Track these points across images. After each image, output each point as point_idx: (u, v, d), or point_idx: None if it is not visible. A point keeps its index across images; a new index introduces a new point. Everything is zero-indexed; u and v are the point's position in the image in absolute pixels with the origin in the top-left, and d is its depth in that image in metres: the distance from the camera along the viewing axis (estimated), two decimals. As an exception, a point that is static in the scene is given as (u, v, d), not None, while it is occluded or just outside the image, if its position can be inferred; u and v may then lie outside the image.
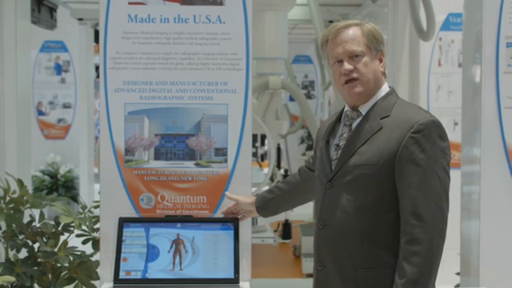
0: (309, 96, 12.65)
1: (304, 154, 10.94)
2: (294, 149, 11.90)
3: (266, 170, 9.16)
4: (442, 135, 2.48)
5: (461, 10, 3.85)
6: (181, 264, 3.10)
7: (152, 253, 3.11)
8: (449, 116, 6.50)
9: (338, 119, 2.74)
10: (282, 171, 8.30)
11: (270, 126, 5.83)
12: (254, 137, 8.76)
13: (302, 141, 12.19)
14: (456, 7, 6.14)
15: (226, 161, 3.29)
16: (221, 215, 3.25)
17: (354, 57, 2.58)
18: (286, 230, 6.85)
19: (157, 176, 3.28)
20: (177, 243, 3.13)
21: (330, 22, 9.73)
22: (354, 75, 2.58)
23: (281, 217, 6.81)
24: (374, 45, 2.60)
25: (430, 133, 2.45)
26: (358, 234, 2.53)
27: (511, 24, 3.38)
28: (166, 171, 3.28)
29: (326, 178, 2.65)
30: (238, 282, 3.07)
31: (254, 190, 3.91)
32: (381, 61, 2.63)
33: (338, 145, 2.67)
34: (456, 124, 6.51)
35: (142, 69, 3.28)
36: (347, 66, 2.58)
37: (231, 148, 3.29)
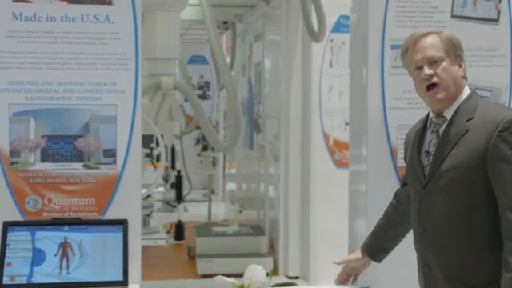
0: (204, 96, 12.65)
1: (199, 155, 10.92)
2: (190, 149, 11.88)
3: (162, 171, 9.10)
4: None
5: (350, 12, 3.93)
6: (68, 267, 3.05)
7: (38, 257, 3.05)
8: (340, 116, 6.61)
9: (424, 126, 2.78)
10: (175, 172, 8.26)
11: (163, 126, 5.80)
12: (150, 137, 8.69)
13: (198, 141, 12.18)
14: (346, 10, 6.24)
15: (115, 162, 3.26)
16: (110, 217, 3.21)
17: (433, 62, 2.64)
18: (178, 231, 6.83)
19: (43, 178, 3.21)
20: (64, 246, 3.08)
21: (225, 22, 9.79)
22: (434, 80, 2.63)
23: (173, 217, 6.79)
24: (453, 51, 2.67)
25: None
26: (458, 235, 2.58)
27: (395, 27, 3.47)
28: (53, 173, 3.21)
29: (420, 184, 2.70)
30: (127, 285, 3.05)
31: (144, 191, 3.88)
32: (460, 66, 2.68)
33: (428, 151, 2.71)
34: (347, 124, 6.63)
35: (28, 68, 3.21)
36: (427, 70, 2.64)
37: (120, 149, 3.26)
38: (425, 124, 2.79)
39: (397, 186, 3.49)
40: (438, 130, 2.70)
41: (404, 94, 3.49)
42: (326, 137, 6.70)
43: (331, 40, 6.63)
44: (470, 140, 2.57)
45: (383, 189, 3.47)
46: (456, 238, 2.60)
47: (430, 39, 2.67)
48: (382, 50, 3.48)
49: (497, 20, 3.51)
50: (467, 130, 2.59)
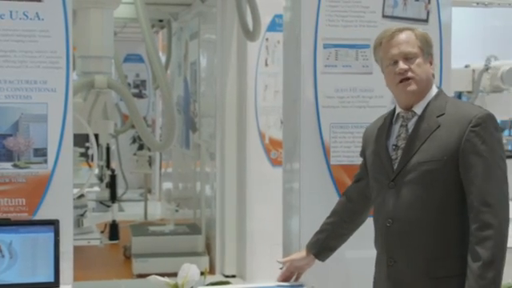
0: (140, 95, 12.57)
1: (135, 154, 10.85)
2: (126, 148, 11.79)
3: (96, 171, 9.02)
4: (497, 127, 2.66)
5: (285, 11, 3.95)
6: (-3, 269, 2.99)
7: (-35, 259, 2.98)
8: (276, 115, 6.63)
9: (390, 122, 2.83)
10: (110, 171, 8.19)
11: (97, 125, 5.74)
12: (85, 137, 8.59)
13: (134, 140, 12.09)
14: (281, 9, 6.27)
15: (45, 161, 3.21)
16: (41, 217, 3.16)
17: (408, 58, 2.71)
18: (113, 231, 6.77)
19: (-29, 178, 3.14)
20: (-8, 248, 3.02)
21: (160, 21, 9.72)
22: (409, 74, 2.69)
23: (108, 217, 6.74)
24: (426, 48, 2.75)
25: (488, 125, 2.61)
26: (428, 227, 2.64)
27: (328, 26, 3.51)
28: (-18, 173, 3.15)
29: (388, 178, 2.74)
30: (59, 286, 3.01)
31: (75, 191, 3.83)
32: (431, 63, 2.77)
33: (396, 145, 2.76)
34: (282, 122, 6.66)
35: (-45, 66, 3.14)
36: (402, 65, 2.70)
37: (51, 148, 3.21)
38: (390, 119, 2.84)
39: (330, 183, 3.53)
40: (407, 125, 2.75)
41: (336, 93, 3.53)
42: (262, 135, 6.73)
43: (266, 39, 6.65)
44: (442, 135, 2.65)
45: (316, 187, 3.50)
46: (425, 231, 2.65)
47: (405, 35, 2.74)
48: (315, 49, 3.50)
49: (426, 20, 3.58)
50: (439, 126, 2.66)
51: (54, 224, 3.13)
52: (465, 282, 2.54)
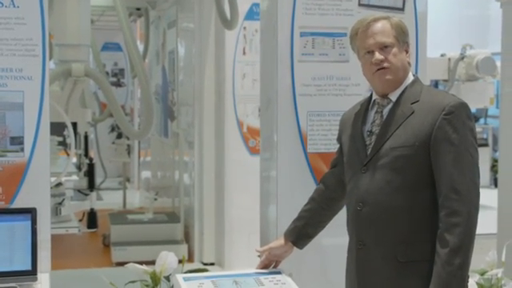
0: (119, 84, 12.52)
1: (114, 143, 10.82)
2: (105, 137, 11.76)
3: (74, 159, 8.99)
4: (470, 115, 2.69)
5: (262, 0, 3.95)
6: (-27, 258, 2.98)
7: None
8: (254, 103, 6.64)
9: (366, 108, 2.86)
10: (88, 160, 8.18)
11: (75, 114, 5.73)
12: (63, 125, 8.56)
13: (113, 129, 12.06)
14: (259, -3, 6.29)
15: (22, 150, 3.20)
16: (18, 206, 3.16)
17: (384, 48, 2.73)
18: (91, 219, 6.75)
19: None
20: (-31, 236, 3.01)
21: (138, 9, 9.68)
22: (385, 65, 2.72)
23: (87, 206, 6.73)
24: (402, 37, 2.76)
25: (460, 114, 2.64)
26: (397, 211, 2.68)
27: (304, 14, 3.52)
28: (-42, 161, 3.14)
29: (361, 162, 2.78)
30: (36, 274, 3.00)
31: (53, 179, 3.82)
32: (407, 52, 2.79)
33: (370, 131, 2.79)
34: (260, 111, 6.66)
35: None
36: (378, 56, 2.72)
37: (28, 136, 3.21)
38: (366, 106, 2.87)
39: (307, 171, 3.55)
40: (382, 111, 2.79)
41: (313, 81, 3.54)
42: (240, 124, 6.74)
43: (244, 28, 6.65)
44: (415, 121, 2.68)
45: (293, 175, 3.52)
46: (395, 215, 2.68)
47: (380, 24, 2.75)
48: (292, 38, 3.51)
49: (402, 9, 3.60)
50: (412, 112, 2.70)
51: (31, 212, 3.12)
52: (433, 267, 2.59)
